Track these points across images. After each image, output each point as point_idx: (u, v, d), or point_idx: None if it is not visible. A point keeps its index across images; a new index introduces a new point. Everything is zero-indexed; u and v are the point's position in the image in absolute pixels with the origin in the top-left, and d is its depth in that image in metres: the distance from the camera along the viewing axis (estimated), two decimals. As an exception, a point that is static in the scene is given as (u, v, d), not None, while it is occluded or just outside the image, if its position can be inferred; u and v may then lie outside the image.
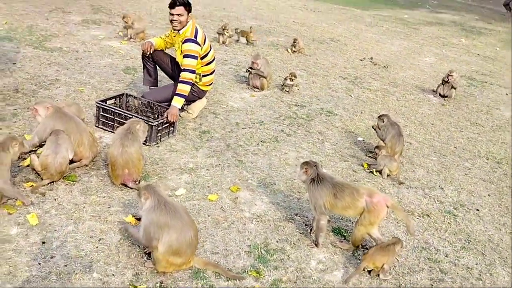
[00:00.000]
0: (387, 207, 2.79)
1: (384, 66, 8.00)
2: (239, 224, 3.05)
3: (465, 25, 15.16)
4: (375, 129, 4.42)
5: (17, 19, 6.43)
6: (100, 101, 3.96)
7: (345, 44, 9.29)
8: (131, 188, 3.17)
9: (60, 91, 4.48)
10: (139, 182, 3.23)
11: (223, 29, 7.41)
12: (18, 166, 3.16)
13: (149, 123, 3.71)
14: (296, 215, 3.27)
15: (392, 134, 4.22)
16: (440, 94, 6.68)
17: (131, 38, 6.56)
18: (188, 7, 4.12)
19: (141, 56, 4.48)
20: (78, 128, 3.26)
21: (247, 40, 7.76)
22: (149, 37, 6.73)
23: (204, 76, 4.39)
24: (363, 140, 4.76)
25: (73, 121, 3.27)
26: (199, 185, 3.39)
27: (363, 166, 4.15)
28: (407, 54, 9.46)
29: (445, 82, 6.62)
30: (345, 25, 11.86)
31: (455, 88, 6.61)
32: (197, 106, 4.49)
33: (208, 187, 3.40)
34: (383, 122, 4.32)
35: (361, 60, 8.20)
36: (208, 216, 3.08)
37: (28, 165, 3.16)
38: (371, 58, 8.36)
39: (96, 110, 3.94)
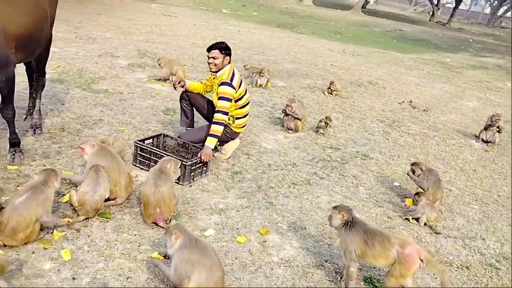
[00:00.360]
0: (421, 260, 2.66)
1: (424, 110, 7.88)
2: (267, 268, 3.01)
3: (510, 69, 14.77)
4: (410, 176, 4.30)
5: (69, 63, 6.90)
6: (138, 140, 4.12)
7: (383, 87, 9.26)
8: (162, 227, 3.22)
9: (103, 131, 4.70)
10: (169, 222, 3.27)
11: (260, 72, 7.60)
12: (57, 202, 3.30)
13: (183, 162, 3.81)
14: (326, 261, 3.18)
15: (432, 181, 4.08)
16: (483, 140, 6.46)
17: (172, 81, 6.85)
18: (223, 51, 4.28)
19: (179, 98, 4.66)
20: (118, 167, 3.38)
21: (259, 76, 7.56)
22: (188, 79, 7.06)
23: (237, 118, 4.49)
24: (400, 186, 4.63)
25: (115, 161, 3.40)
26: (228, 227, 3.39)
27: (405, 203, 4.02)
28: (449, 97, 9.29)
29: (488, 126, 6.41)
30: (384, 68, 11.86)
31: (499, 133, 6.37)
32: (230, 146, 4.57)
33: (237, 228, 3.39)
34: (421, 169, 4.20)
35: (400, 103, 8.12)
36: (236, 258, 3.06)
37: (66, 201, 3.29)
38: (411, 101, 8.27)
39: (134, 149, 4.09)
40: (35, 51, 3.83)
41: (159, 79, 6.84)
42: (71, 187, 3.44)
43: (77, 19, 10.85)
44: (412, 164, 4.32)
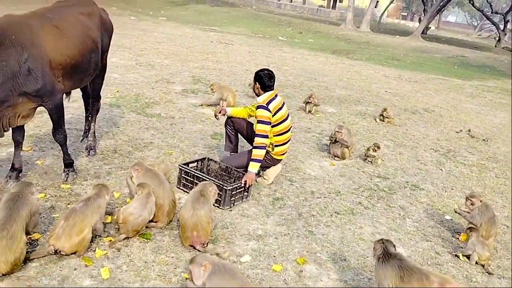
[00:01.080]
0: (464, 300, 2.46)
1: (484, 140, 7.43)
2: (301, 299, 2.91)
3: None
4: (459, 212, 4.01)
5: (127, 88, 7.30)
6: (183, 164, 4.23)
7: (440, 115, 8.87)
8: (199, 251, 3.24)
9: (152, 153, 4.88)
10: (206, 245, 3.29)
11: (309, 98, 7.58)
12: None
13: (224, 187, 3.85)
14: (365, 296, 3.03)
15: (488, 216, 3.80)
16: (549, 173, 5.95)
17: (223, 106, 7.01)
18: (255, 79, 4.40)
19: (224, 124, 4.75)
20: (163, 193, 3.46)
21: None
22: (238, 104, 7.20)
23: (276, 146, 4.47)
24: (452, 219, 4.35)
25: (162, 186, 3.49)
26: (265, 254, 3.35)
27: (459, 238, 3.78)
28: (510, 127, 8.70)
29: (555, 159, 5.90)
30: (442, 95, 11.40)
31: None
32: (272, 172, 4.56)
33: (274, 256, 3.34)
34: (480, 201, 3.92)
35: (457, 132, 7.73)
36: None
37: (110, 222, 3.42)
38: (469, 130, 7.84)
39: (179, 172, 4.20)
40: (83, 79, 4.02)
41: (210, 105, 7.03)
42: (119, 207, 3.58)
43: (140, 47, 11.51)
44: (468, 196, 4.03)
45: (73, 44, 3.68)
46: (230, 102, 6.97)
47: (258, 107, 4.33)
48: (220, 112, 4.56)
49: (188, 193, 4.05)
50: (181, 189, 4.19)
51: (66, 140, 3.88)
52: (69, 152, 3.99)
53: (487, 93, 12.77)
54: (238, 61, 11.91)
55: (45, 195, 3.64)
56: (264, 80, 4.38)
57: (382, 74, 13.86)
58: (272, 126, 4.39)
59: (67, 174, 3.93)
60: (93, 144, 4.57)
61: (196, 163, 4.40)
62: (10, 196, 2.89)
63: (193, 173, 4.11)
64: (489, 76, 17.62)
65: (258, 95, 4.44)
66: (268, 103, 4.33)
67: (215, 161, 4.50)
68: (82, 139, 4.73)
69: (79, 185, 3.92)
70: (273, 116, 4.35)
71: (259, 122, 4.30)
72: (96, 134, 4.71)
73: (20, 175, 3.81)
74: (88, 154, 4.50)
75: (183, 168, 4.16)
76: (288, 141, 4.57)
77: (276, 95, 4.45)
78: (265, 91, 4.40)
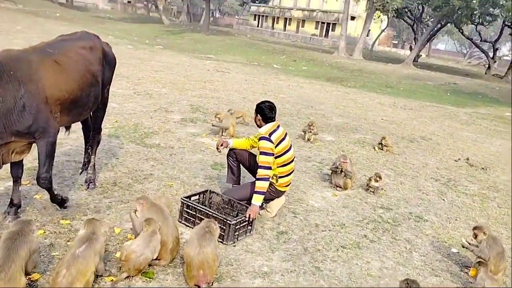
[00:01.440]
0: None
1: (483, 168, 7.42)
2: None
3: None
4: (466, 246, 3.94)
5: (126, 118, 7.25)
6: (185, 197, 4.14)
7: (437, 143, 8.89)
8: (203, 290, 3.12)
9: (152, 185, 4.78)
10: (212, 284, 3.18)
11: (309, 127, 7.57)
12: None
13: (228, 221, 3.75)
14: (377, 337, 2.91)
15: (496, 251, 3.72)
16: (551, 202, 5.91)
17: (222, 135, 6.98)
18: (256, 111, 4.38)
19: (226, 155, 4.69)
20: (168, 230, 3.35)
21: (243, 122, 7.84)
22: (238, 134, 7.17)
23: (280, 177, 4.41)
24: (458, 252, 4.27)
25: (166, 222, 3.38)
26: (272, 292, 3.23)
27: (469, 273, 3.68)
28: (510, 155, 8.72)
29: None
30: (438, 123, 11.49)
31: None
32: (276, 204, 4.48)
33: (281, 295, 3.22)
34: (484, 234, 3.85)
35: (455, 160, 7.73)
36: (279, 329, 2.87)
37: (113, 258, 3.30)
38: (467, 158, 7.84)
39: (181, 206, 4.10)
40: (82, 113, 3.94)
41: (220, 131, 6.98)
42: (120, 243, 3.47)
43: (137, 76, 11.54)
44: (475, 228, 3.96)
45: (72, 79, 3.62)
46: (230, 133, 6.94)
47: (261, 138, 4.29)
48: (222, 145, 4.51)
49: (190, 227, 3.97)
50: (182, 223, 4.08)
51: (52, 184, 3.66)
52: (55, 193, 3.81)
53: (481, 121, 12.89)
54: (235, 89, 11.96)
55: (44, 232, 3.52)
56: (265, 112, 4.35)
57: (377, 102, 13.99)
58: (275, 157, 4.34)
59: (65, 208, 3.83)
60: (92, 177, 4.48)
61: (198, 196, 4.31)
62: (9, 235, 2.78)
63: (195, 206, 4.01)
64: (482, 103, 17.86)
65: (259, 126, 4.42)
66: (270, 134, 4.29)
67: (217, 194, 4.41)
68: (81, 172, 4.64)
69: (79, 221, 3.80)
70: (275, 147, 4.30)
71: (261, 153, 4.25)
72: (96, 167, 4.62)
73: (18, 210, 3.69)
74: (88, 187, 4.40)
75: (185, 202, 4.07)
76: (292, 171, 4.51)
77: (278, 126, 4.41)
78: (266, 122, 4.37)
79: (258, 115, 4.37)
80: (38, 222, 3.62)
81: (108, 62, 4.17)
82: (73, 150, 5.39)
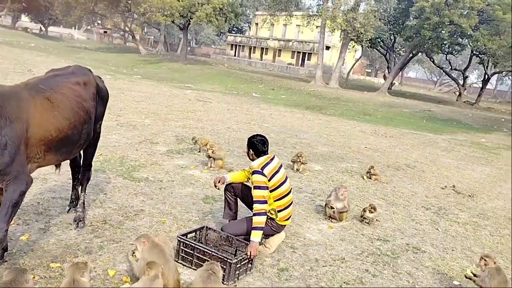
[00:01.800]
0: None
1: (469, 195, 7.51)
2: None
3: (551, 148, 14.32)
4: (469, 278, 3.90)
5: (111, 151, 7.05)
6: (181, 235, 3.97)
7: (422, 171, 9.00)
8: (208, 336, 2.95)
9: (144, 222, 4.59)
10: (216, 329, 3.01)
11: (298, 157, 7.54)
12: None
13: (228, 260, 3.61)
14: None
15: (498, 280, 3.70)
16: (541, 229, 5.99)
17: (211, 167, 6.86)
18: (248, 146, 4.32)
19: (223, 190, 4.57)
20: (168, 273, 3.18)
21: (201, 149, 7.66)
22: (228, 165, 7.07)
23: (279, 211, 4.31)
24: (460, 285, 4.22)
25: (168, 265, 3.21)
26: (280, 336, 3.08)
27: None
28: (492, 181, 8.91)
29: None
30: (419, 150, 11.68)
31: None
32: (275, 240, 4.36)
33: (290, 338, 3.07)
34: (485, 265, 3.83)
35: (442, 188, 7.81)
36: None
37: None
38: (453, 186, 7.94)
39: (177, 245, 3.93)
40: (72, 151, 3.76)
41: (209, 162, 6.86)
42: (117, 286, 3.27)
43: (118, 106, 11.36)
44: (483, 257, 3.89)
45: (64, 117, 3.46)
46: (219, 165, 6.84)
47: (253, 172, 4.21)
48: (219, 182, 4.40)
49: (188, 267, 3.80)
50: (179, 262, 3.90)
51: (6, 237, 3.26)
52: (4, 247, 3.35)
53: (460, 147, 13.19)
54: (219, 119, 11.92)
55: (34, 277, 3.28)
56: (257, 146, 4.29)
57: (359, 130, 14.18)
58: (271, 191, 4.25)
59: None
60: (82, 215, 4.26)
61: (194, 233, 4.15)
62: (3, 285, 2.57)
63: (193, 245, 3.85)
64: (458, 130, 18.36)
65: (252, 160, 4.34)
66: (263, 168, 4.21)
67: (214, 230, 4.26)
68: (69, 210, 4.42)
69: (70, 263, 3.57)
70: (269, 180, 4.21)
71: (255, 188, 4.16)
72: (85, 204, 4.41)
73: (5, 254, 3.44)
74: (77, 227, 4.18)
75: (182, 240, 3.91)
76: (291, 204, 4.42)
77: (272, 158, 4.34)
78: (259, 156, 4.31)
79: (250, 149, 4.30)
80: (26, 266, 3.38)
81: (102, 97, 4.06)
82: (58, 186, 5.17)
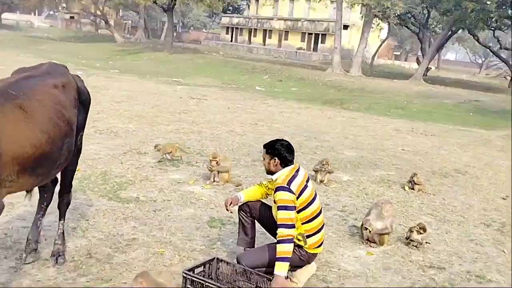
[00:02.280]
0: None
1: (538, 206, 7.41)
2: None
3: None
4: None
5: (90, 165, 7.02)
6: (187, 270, 3.92)
7: (476, 177, 8.93)
8: None
9: (138, 254, 4.54)
10: None
11: (322, 165, 7.48)
12: None
13: (249, 302, 3.55)
14: None
15: None
16: None
17: (214, 181, 6.81)
18: (271, 153, 4.24)
19: (237, 210, 4.53)
20: None
21: (172, 158, 7.61)
22: (234, 178, 7.01)
23: (308, 236, 4.25)
24: (540, 322, 4.14)
25: None
26: None
27: None
28: None
29: None
30: (470, 151, 11.62)
31: None
32: (304, 274, 4.29)
33: None
34: None
35: (503, 198, 7.74)
36: None
37: None
38: (517, 195, 7.84)
39: (183, 282, 3.88)
40: (51, 172, 3.67)
41: (212, 176, 6.85)
42: None
43: (95, 109, 11.28)
44: None
45: (41, 130, 3.35)
46: (225, 179, 6.80)
47: (277, 189, 4.14)
48: (231, 204, 4.36)
49: (198, 310, 3.74)
50: (186, 305, 3.85)
51: None
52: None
53: (519, 146, 13.09)
54: (218, 121, 11.90)
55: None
56: (284, 154, 4.24)
57: (392, 128, 14.13)
58: (298, 211, 4.19)
59: None
60: (61, 248, 4.20)
61: (203, 266, 4.09)
62: None
63: (203, 282, 3.79)
64: (512, 124, 18.24)
65: (273, 172, 4.27)
66: (289, 183, 4.15)
67: (228, 262, 4.20)
68: (26, 258, 4.15)
69: (50, 311, 3.52)
70: (297, 198, 4.15)
71: (280, 208, 4.09)
72: (65, 235, 4.36)
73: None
74: (56, 263, 4.11)
75: (189, 277, 3.85)
76: (322, 226, 4.38)
77: (298, 170, 4.29)
78: (284, 167, 4.25)
79: (276, 158, 4.23)
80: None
81: (83, 102, 4.01)
82: (29, 213, 5.11)
